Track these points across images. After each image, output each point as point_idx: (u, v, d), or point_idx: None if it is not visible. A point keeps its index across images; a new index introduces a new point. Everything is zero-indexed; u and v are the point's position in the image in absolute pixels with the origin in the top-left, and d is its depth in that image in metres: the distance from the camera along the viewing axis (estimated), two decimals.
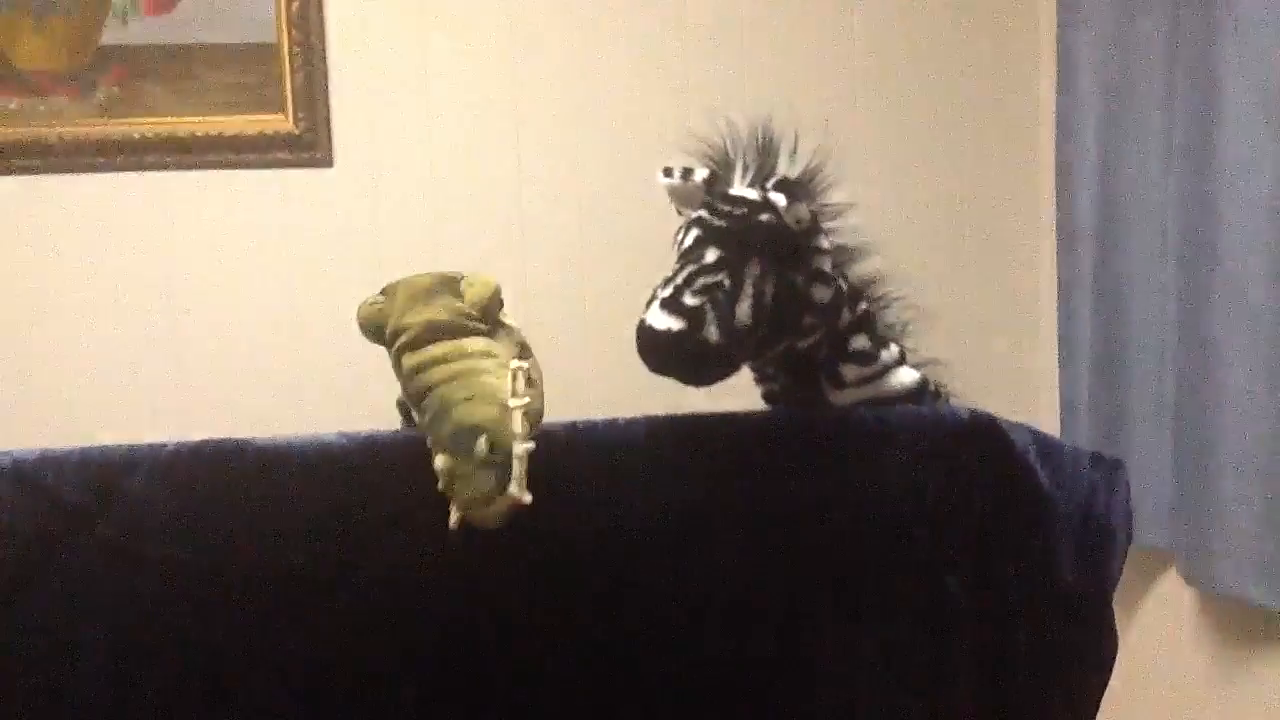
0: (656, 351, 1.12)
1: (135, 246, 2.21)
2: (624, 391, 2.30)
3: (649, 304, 1.13)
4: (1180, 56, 1.92)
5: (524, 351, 1.17)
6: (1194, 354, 1.87)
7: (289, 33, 2.21)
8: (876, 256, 1.30)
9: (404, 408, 1.18)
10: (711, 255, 1.15)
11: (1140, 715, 2.17)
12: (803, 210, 1.16)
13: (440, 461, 1.03)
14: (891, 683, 1.16)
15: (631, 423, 1.17)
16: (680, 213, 1.24)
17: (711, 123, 1.25)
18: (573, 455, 1.15)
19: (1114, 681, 1.25)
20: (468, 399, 1.05)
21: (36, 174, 2.17)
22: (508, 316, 1.18)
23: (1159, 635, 2.13)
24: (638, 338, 1.13)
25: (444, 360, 1.09)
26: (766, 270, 1.15)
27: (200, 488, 1.10)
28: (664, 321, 1.11)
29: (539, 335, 2.24)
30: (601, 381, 2.32)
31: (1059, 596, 1.19)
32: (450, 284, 1.15)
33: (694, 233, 1.18)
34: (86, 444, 1.12)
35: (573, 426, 1.16)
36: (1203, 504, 1.87)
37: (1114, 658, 1.21)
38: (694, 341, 1.10)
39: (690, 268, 1.15)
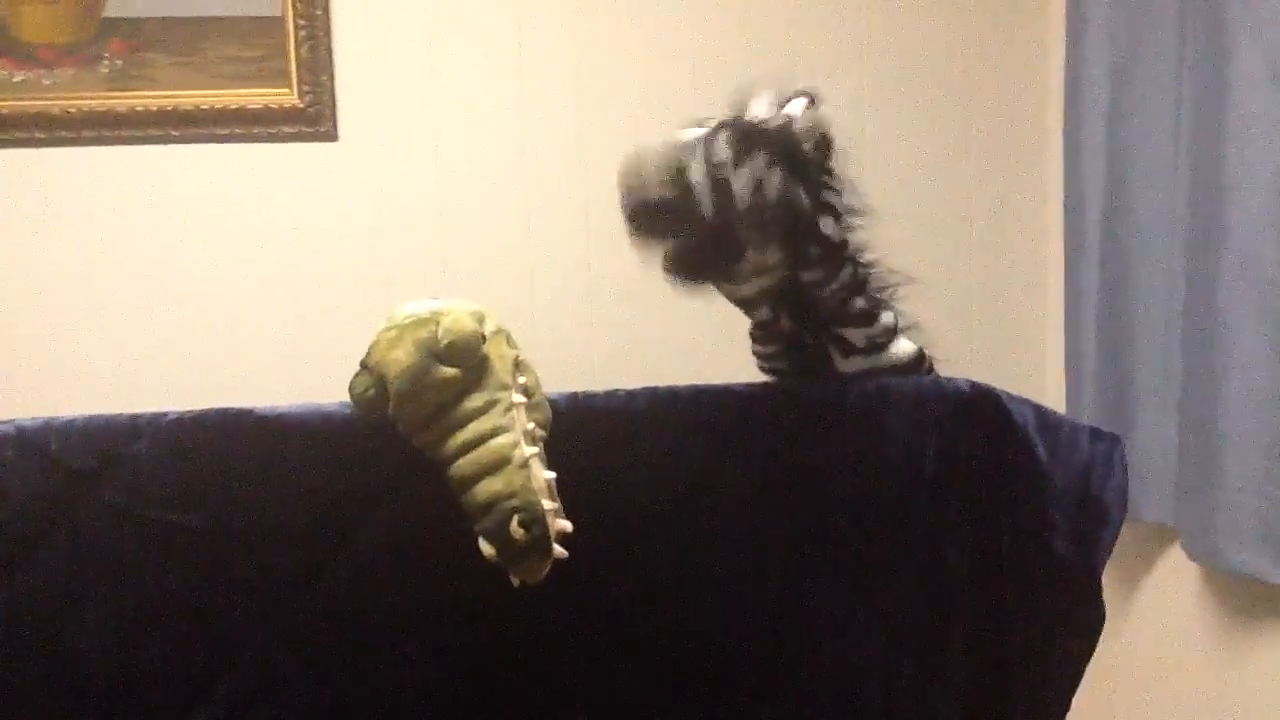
0: (643, 219, 1.11)
1: (138, 219, 2.21)
2: (630, 359, 2.32)
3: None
4: (1190, 23, 1.90)
5: (516, 368, 1.13)
6: (1201, 328, 1.87)
7: (294, 6, 2.20)
8: (871, 222, 1.29)
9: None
10: (719, 140, 1.14)
11: (1143, 690, 2.17)
12: (818, 116, 1.15)
13: (485, 548, 1.05)
14: (888, 648, 1.16)
15: (633, 394, 1.18)
16: None
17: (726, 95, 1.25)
18: (574, 426, 1.15)
19: (1118, 656, 1.25)
20: (484, 474, 1.06)
21: (41, 146, 2.17)
22: (489, 324, 1.13)
23: (1162, 611, 2.13)
24: (627, 201, 1.12)
25: (451, 433, 1.07)
26: (773, 168, 1.13)
27: (203, 454, 1.11)
28: (657, 192, 1.11)
29: (546, 309, 2.26)
30: (604, 352, 2.33)
31: (1051, 568, 1.20)
32: (429, 345, 1.08)
33: (704, 135, 1.18)
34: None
35: (574, 397, 1.17)
36: (1207, 479, 1.86)
37: (1100, 629, 1.21)
38: (687, 211, 1.10)
39: (697, 156, 1.14)
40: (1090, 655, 1.18)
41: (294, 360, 2.24)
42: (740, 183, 1.12)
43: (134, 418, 1.12)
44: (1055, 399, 2.24)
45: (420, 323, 1.09)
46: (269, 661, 1.12)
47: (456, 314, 1.09)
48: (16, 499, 1.09)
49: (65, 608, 1.11)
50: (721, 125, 1.18)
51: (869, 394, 1.19)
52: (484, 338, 1.09)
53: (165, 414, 1.12)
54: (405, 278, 2.27)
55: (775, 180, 1.13)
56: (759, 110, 1.21)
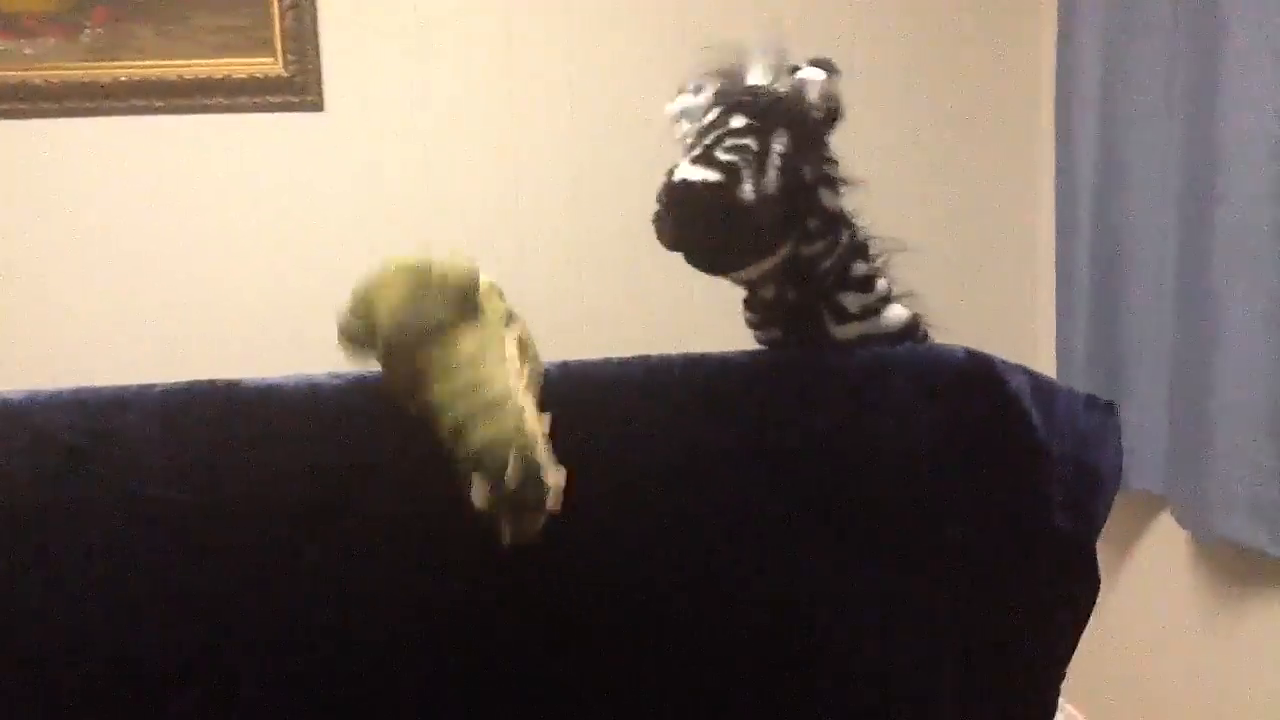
0: (690, 204, 1.06)
1: (122, 190, 2.19)
2: (621, 329, 2.30)
3: (673, 169, 1.07)
4: None
5: (510, 319, 1.12)
6: (1193, 298, 1.87)
7: None
8: (863, 193, 1.27)
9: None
10: (738, 121, 1.10)
11: (1134, 658, 2.18)
12: (835, 86, 1.12)
13: (477, 496, 1.01)
14: (885, 619, 1.16)
15: (627, 362, 1.16)
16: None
17: (720, 49, 1.22)
18: (567, 395, 1.14)
19: (1109, 623, 1.25)
20: (480, 416, 1.02)
21: (23, 118, 2.15)
22: (483, 278, 1.12)
23: (1153, 579, 2.14)
24: (667, 194, 1.07)
25: (444, 376, 1.04)
26: (789, 147, 1.10)
27: (191, 427, 1.09)
28: (698, 174, 1.05)
29: (532, 276, 2.25)
30: (594, 324, 2.32)
31: (1048, 537, 1.19)
32: (424, 280, 1.07)
33: (716, 108, 1.14)
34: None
35: (566, 366, 1.15)
36: (1198, 449, 1.87)
37: (1095, 598, 1.21)
38: (730, 196, 1.05)
39: (717, 131, 1.10)
40: (1085, 623, 1.18)
41: (279, 330, 2.22)
42: (768, 164, 1.08)
43: (120, 390, 1.10)
44: (1046, 367, 2.24)
45: (414, 265, 1.08)
46: (261, 638, 1.11)
47: (451, 257, 1.08)
48: (2, 473, 1.08)
49: (50, 587, 1.09)
50: (728, 94, 1.14)
51: (866, 363, 1.18)
52: (477, 284, 1.08)
53: (152, 386, 1.11)
54: (391, 247, 2.23)
55: (794, 165, 1.10)
56: (756, 76, 1.18)
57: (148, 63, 2.17)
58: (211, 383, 1.11)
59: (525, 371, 1.08)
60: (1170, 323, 1.96)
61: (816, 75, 1.12)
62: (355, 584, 1.12)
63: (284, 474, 1.10)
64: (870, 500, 1.16)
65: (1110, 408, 1.23)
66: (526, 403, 1.04)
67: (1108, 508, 1.21)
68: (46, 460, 1.08)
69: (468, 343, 1.06)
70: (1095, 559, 1.19)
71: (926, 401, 1.16)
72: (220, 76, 2.19)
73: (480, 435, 1.02)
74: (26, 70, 2.13)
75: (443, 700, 1.14)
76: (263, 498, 1.10)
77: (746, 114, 1.11)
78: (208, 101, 2.20)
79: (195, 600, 1.10)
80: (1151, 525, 2.14)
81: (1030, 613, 1.18)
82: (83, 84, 2.16)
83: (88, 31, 2.15)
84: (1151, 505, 2.11)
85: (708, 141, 1.10)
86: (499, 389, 1.04)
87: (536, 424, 1.04)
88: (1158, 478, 2.03)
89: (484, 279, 1.11)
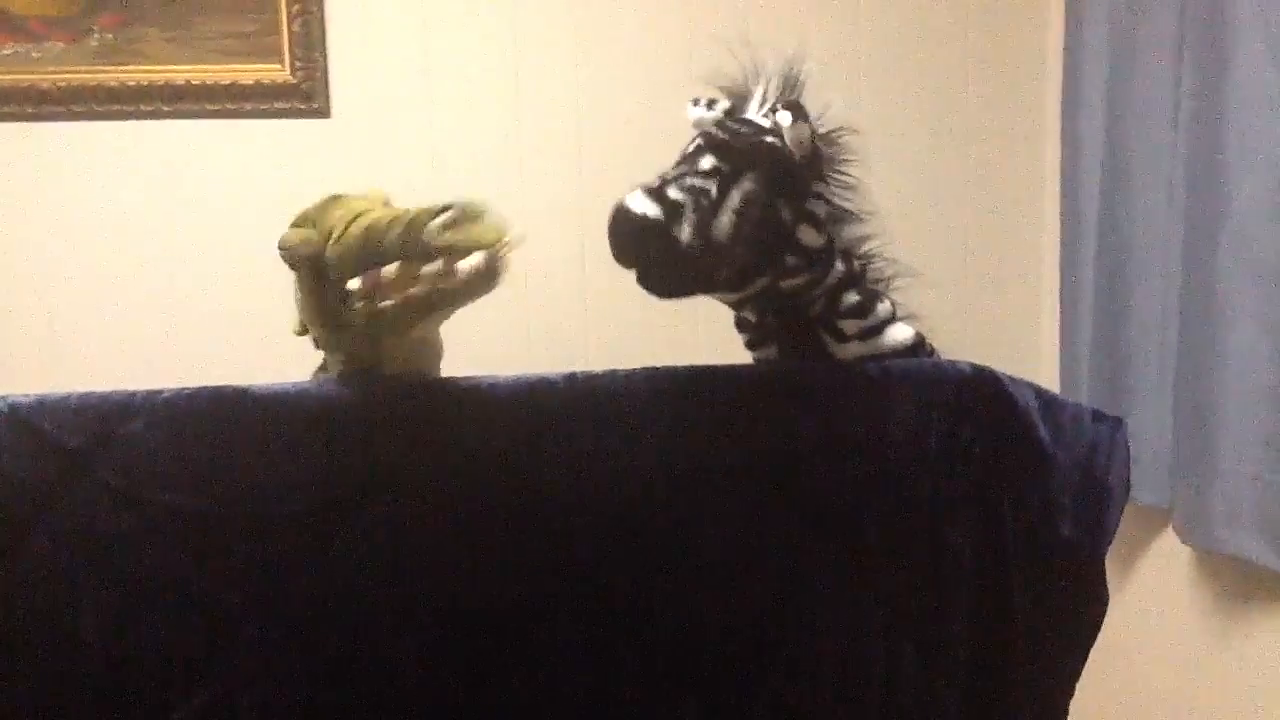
0: (625, 233, 1.10)
1: (130, 195, 2.19)
2: (621, 339, 2.30)
3: (630, 192, 1.12)
4: (1191, 4, 1.89)
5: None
6: (1197, 310, 1.86)
7: None
8: (870, 217, 1.28)
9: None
10: (707, 163, 1.14)
11: (1136, 671, 2.18)
12: (805, 132, 1.14)
13: (391, 269, 1.07)
14: (890, 634, 1.16)
15: (632, 374, 1.17)
16: None
17: (736, 57, 1.24)
18: (573, 406, 1.14)
19: (1111, 637, 1.25)
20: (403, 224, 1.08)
21: (30, 121, 2.15)
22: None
23: (1155, 592, 2.14)
24: (611, 218, 1.11)
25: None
26: (757, 191, 1.13)
27: (199, 433, 1.10)
28: (640, 206, 1.09)
29: (536, 282, 2.25)
30: (598, 331, 2.32)
31: (1055, 551, 1.19)
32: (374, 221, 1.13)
33: (697, 142, 1.18)
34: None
35: (572, 377, 1.16)
36: (1202, 463, 1.86)
37: (1104, 613, 1.21)
38: (664, 234, 1.09)
39: (682, 168, 1.14)
40: (1093, 640, 1.18)
41: (286, 336, 2.22)
42: (723, 209, 1.11)
43: (129, 396, 1.10)
44: (1049, 380, 2.24)
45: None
46: (266, 644, 1.11)
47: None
48: (10, 478, 1.08)
49: (60, 589, 1.09)
50: (713, 137, 1.17)
51: (871, 376, 1.18)
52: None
53: (160, 392, 1.11)
54: None
55: (757, 211, 1.13)
56: (754, 108, 1.20)
57: (155, 67, 2.17)
58: (220, 390, 1.11)
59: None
60: (1175, 336, 1.95)
61: (786, 120, 1.14)
62: (361, 590, 1.12)
63: (292, 483, 1.10)
64: (875, 514, 1.16)
65: (1119, 421, 1.23)
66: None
67: (1117, 521, 1.21)
68: (53, 464, 1.08)
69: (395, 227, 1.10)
70: (1104, 574, 1.19)
71: (932, 415, 1.16)
72: (227, 82, 2.19)
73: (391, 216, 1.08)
74: (34, 74, 2.14)
75: (446, 706, 1.14)
76: (270, 506, 1.10)
77: (718, 156, 1.14)
78: (214, 107, 2.20)
79: (200, 605, 1.10)
80: (1154, 539, 2.14)
81: (1038, 628, 1.18)
82: (90, 88, 2.16)
83: (95, 36, 2.15)
84: (1154, 518, 2.11)
85: (671, 175, 1.13)
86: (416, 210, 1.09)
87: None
88: (1160, 491, 2.02)
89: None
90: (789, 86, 1.20)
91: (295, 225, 1.15)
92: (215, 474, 1.10)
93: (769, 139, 1.14)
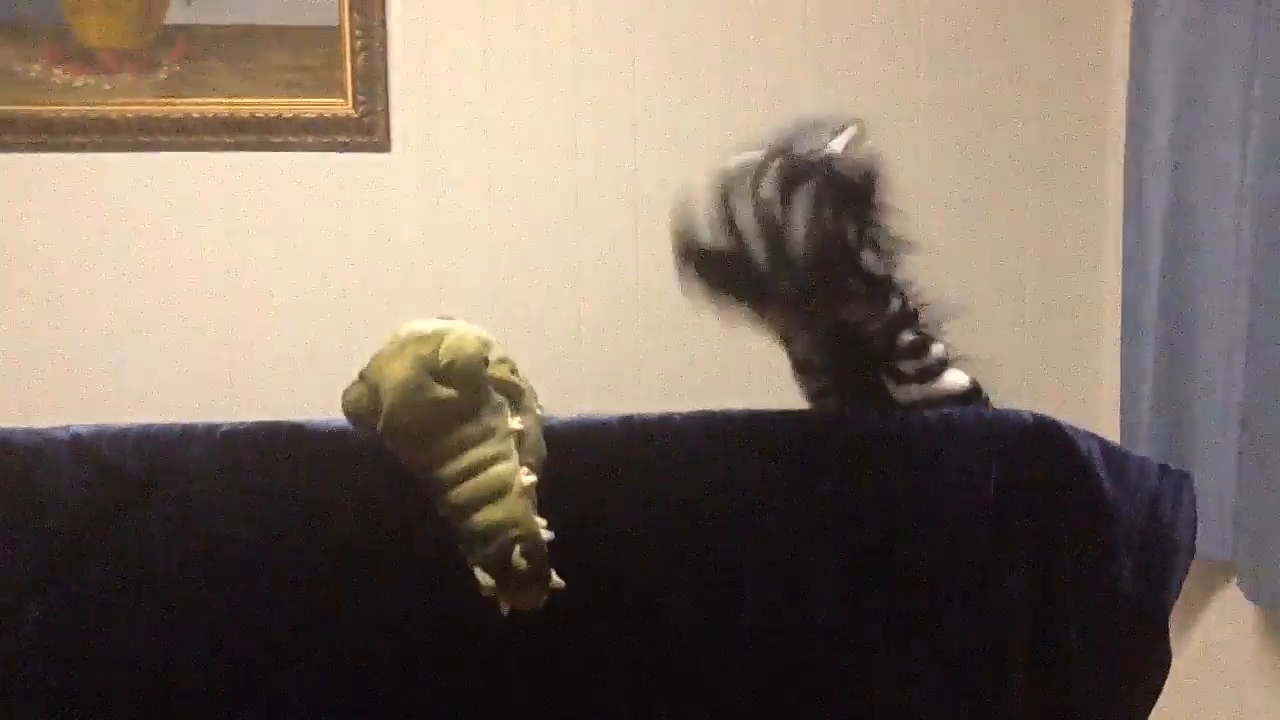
0: (698, 262, 1.11)
1: (193, 226, 2.23)
2: (675, 378, 2.30)
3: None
4: (1262, 30, 1.85)
5: (513, 396, 1.10)
6: (1264, 361, 1.82)
7: (351, 15, 2.21)
8: (919, 257, 1.27)
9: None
10: (768, 186, 1.13)
11: None
12: (866, 150, 1.15)
13: (483, 578, 1.03)
14: (945, 687, 1.14)
15: (688, 417, 1.16)
16: None
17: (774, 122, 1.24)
18: (628, 449, 1.14)
19: (1171, 694, 1.22)
20: (483, 499, 1.03)
21: (99, 151, 2.20)
22: (495, 352, 1.11)
23: (1218, 649, 2.08)
24: (681, 250, 1.12)
25: (447, 457, 1.05)
26: (820, 209, 1.12)
27: (254, 467, 1.11)
28: (711, 235, 1.11)
29: (594, 327, 2.25)
30: (652, 368, 2.31)
31: (1117, 605, 1.17)
32: (429, 362, 1.06)
33: (755, 170, 1.17)
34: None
35: (628, 420, 1.15)
36: (1267, 517, 1.82)
37: (1167, 671, 1.18)
38: (740, 259, 1.10)
39: (745, 195, 1.14)
40: (1155, 699, 1.15)
41: (343, 368, 2.24)
42: (790, 224, 1.11)
43: (186, 428, 1.12)
44: (1109, 429, 2.19)
45: (423, 339, 1.07)
46: (313, 675, 1.11)
47: (460, 334, 1.07)
48: (68, 505, 1.09)
49: (112, 614, 1.11)
50: (769, 158, 1.16)
51: (931, 424, 1.17)
52: (486, 362, 1.07)
53: (217, 425, 1.12)
54: (454, 289, 2.27)
55: (822, 229, 1.12)
56: (809, 143, 1.19)
57: (220, 100, 2.21)
58: (275, 424, 1.12)
59: (528, 447, 1.08)
60: (1240, 383, 1.91)
61: (845, 138, 1.15)
62: (410, 625, 1.12)
63: (344, 516, 1.11)
64: (932, 564, 1.14)
65: (1185, 475, 1.20)
66: (530, 485, 1.05)
67: (1182, 576, 1.18)
68: (111, 492, 1.10)
69: (472, 425, 1.05)
70: (1167, 631, 1.16)
71: (992, 464, 1.14)
72: (290, 115, 2.23)
73: (485, 519, 1.02)
74: (105, 105, 2.19)
75: None
76: (321, 538, 1.11)
77: (776, 176, 1.14)
78: (277, 140, 2.23)
79: (249, 638, 1.11)
80: (1217, 594, 2.08)
81: (1097, 684, 1.15)
82: (157, 119, 2.20)
83: (164, 69, 2.20)
84: (1217, 573, 2.05)
85: (732, 204, 1.13)
86: (505, 472, 1.04)
87: (531, 509, 1.04)
88: (1224, 544, 1.97)
89: (497, 352, 1.11)
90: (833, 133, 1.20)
91: (358, 381, 1.13)
92: (268, 506, 1.11)
93: (825, 157, 1.15)
